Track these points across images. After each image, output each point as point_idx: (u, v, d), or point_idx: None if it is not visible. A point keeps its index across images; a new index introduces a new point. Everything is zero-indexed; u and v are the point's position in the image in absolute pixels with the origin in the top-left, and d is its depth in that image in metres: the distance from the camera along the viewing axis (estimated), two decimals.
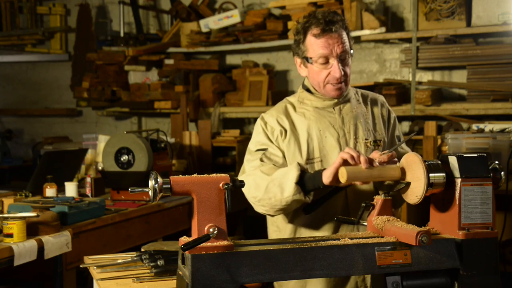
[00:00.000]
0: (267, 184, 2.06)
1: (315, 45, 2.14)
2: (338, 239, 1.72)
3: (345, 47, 2.14)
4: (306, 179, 2.01)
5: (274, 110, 2.28)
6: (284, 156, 2.19)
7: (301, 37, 2.19)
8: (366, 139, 2.20)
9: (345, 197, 2.17)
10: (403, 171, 1.84)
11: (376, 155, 1.96)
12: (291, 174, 2.00)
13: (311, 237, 1.85)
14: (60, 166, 4.09)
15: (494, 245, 1.73)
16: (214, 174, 1.63)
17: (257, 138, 2.25)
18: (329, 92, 2.19)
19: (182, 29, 5.77)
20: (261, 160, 2.18)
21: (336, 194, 2.12)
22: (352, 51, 2.20)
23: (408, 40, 4.81)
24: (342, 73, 2.14)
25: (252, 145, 2.26)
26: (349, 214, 2.14)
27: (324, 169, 1.98)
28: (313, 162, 2.17)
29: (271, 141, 2.21)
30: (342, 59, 2.15)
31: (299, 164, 2.03)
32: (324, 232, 2.17)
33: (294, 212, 2.18)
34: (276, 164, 2.17)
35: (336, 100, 2.22)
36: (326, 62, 2.14)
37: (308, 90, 2.26)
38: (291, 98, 2.32)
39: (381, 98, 2.36)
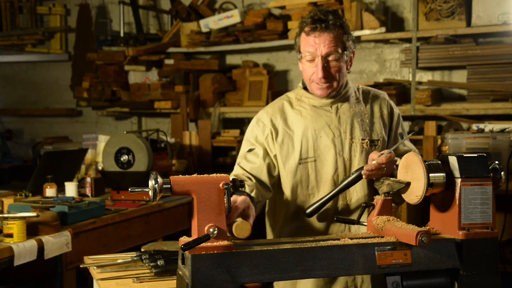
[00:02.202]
0: None
1: (304, 41, 2.16)
2: (338, 239, 1.72)
3: (332, 47, 2.11)
4: None
5: (270, 108, 2.27)
6: (264, 156, 2.18)
7: (297, 31, 2.21)
8: (362, 139, 2.18)
9: (335, 201, 2.17)
10: None
11: (375, 156, 1.96)
12: None
13: (311, 237, 1.85)
14: (60, 166, 4.09)
15: (494, 245, 1.73)
16: (214, 174, 1.63)
17: (248, 135, 2.27)
18: (314, 91, 2.19)
19: (182, 29, 5.77)
20: (239, 165, 2.19)
21: (337, 196, 2.12)
22: (346, 52, 2.15)
23: (408, 40, 4.81)
24: (324, 74, 2.12)
25: (244, 143, 2.27)
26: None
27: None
28: (306, 162, 2.16)
29: (260, 138, 2.21)
30: (329, 60, 2.13)
31: None
32: (315, 231, 2.17)
33: (288, 212, 2.20)
34: (253, 165, 2.17)
35: (332, 99, 2.21)
36: (312, 60, 2.14)
37: (305, 88, 2.26)
38: (290, 94, 2.31)
39: (383, 95, 2.33)
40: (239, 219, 1.67)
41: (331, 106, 2.22)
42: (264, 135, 2.21)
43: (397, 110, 2.33)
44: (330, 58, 2.13)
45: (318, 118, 2.20)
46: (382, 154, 1.96)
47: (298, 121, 2.20)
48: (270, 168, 2.18)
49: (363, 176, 2.01)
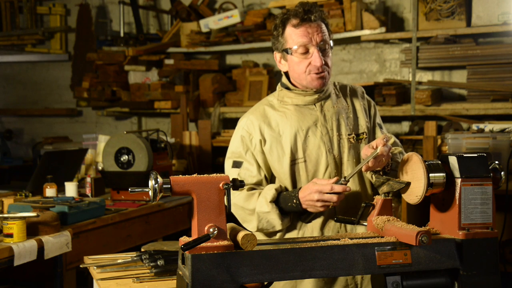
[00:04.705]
0: (257, 224, 2.15)
1: (294, 35, 2.15)
2: (338, 239, 1.72)
3: (324, 36, 2.15)
4: (287, 209, 2.10)
5: (253, 116, 2.23)
6: (258, 166, 2.19)
7: (280, 30, 2.19)
8: (349, 134, 2.20)
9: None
10: None
11: (369, 153, 1.96)
12: (273, 215, 2.10)
13: (311, 237, 1.85)
14: (60, 166, 4.09)
15: (494, 245, 1.73)
16: (214, 174, 1.63)
17: (233, 147, 2.24)
18: (311, 83, 2.17)
19: (182, 29, 5.77)
20: None
21: None
22: (332, 42, 2.19)
23: (408, 40, 4.81)
24: (323, 62, 2.13)
25: (229, 156, 2.25)
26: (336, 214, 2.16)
27: (298, 192, 2.07)
28: (297, 163, 2.17)
29: (248, 150, 2.20)
30: (322, 49, 2.15)
31: (272, 202, 2.10)
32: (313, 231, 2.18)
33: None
34: (249, 183, 2.19)
35: (316, 96, 2.21)
36: (306, 51, 2.14)
37: (287, 88, 2.25)
38: (270, 97, 2.30)
39: (360, 88, 2.36)
40: (247, 232, 1.65)
41: (315, 104, 2.22)
42: (252, 145, 2.20)
43: (373, 101, 2.37)
44: (323, 47, 2.15)
45: (303, 117, 2.20)
46: (374, 149, 1.96)
47: (284, 123, 2.19)
48: (267, 179, 2.22)
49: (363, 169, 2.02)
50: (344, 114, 2.23)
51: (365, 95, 2.35)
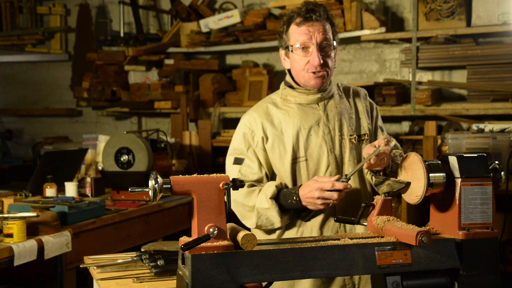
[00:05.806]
0: (256, 220, 2.15)
1: (296, 33, 2.17)
2: (338, 239, 1.72)
3: (326, 36, 2.16)
4: (287, 206, 2.11)
5: (256, 113, 2.25)
6: (260, 164, 2.20)
7: (284, 27, 2.22)
8: (350, 135, 2.21)
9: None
10: None
11: (371, 151, 1.97)
12: (273, 211, 2.10)
13: (311, 237, 1.85)
14: (60, 166, 4.09)
15: (494, 245, 1.73)
16: (214, 174, 1.63)
17: (235, 144, 2.25)
18: (309, 81, 2.18)
19: (182, 29, 5.77)
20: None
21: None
22: (335, 43, 2.20)
23: (408, 40, 4.81)
24: (321, 61, 2.14)
25: (231, 152, 2.26)
26: (335, 213, 2.17)
27: (298, 189, 2.07)
28: (298, 162, 2.17)
29: (250, 147, 2.21)
30: (323, 49, 2.16)
31: (272, 199, 2.10)
32: (312, 231, 2.18)
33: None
34: (250, 179, 2.20)
35: (320, 95, 2.22)
36: (306, 50, 2.15)
37: (290, 87, 2.26)
38: (274, 95, 2.31)
39: (363, 90, 2.37)
40: (247, 232, 1.64)
41: (318, 104, 2.23)
42: (254, 143, 2.21)
43: (375, 104, 2.38)
44: (324, 47, 2.16)
45: (306, 116, 2.21)
46: (377, 147, 1.96)
47: (286, 121, 2.20)
48: (268, 177, 2.23)
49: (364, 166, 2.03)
50: (347, 115, 2.24)
51: (368, 98, 2.36)
